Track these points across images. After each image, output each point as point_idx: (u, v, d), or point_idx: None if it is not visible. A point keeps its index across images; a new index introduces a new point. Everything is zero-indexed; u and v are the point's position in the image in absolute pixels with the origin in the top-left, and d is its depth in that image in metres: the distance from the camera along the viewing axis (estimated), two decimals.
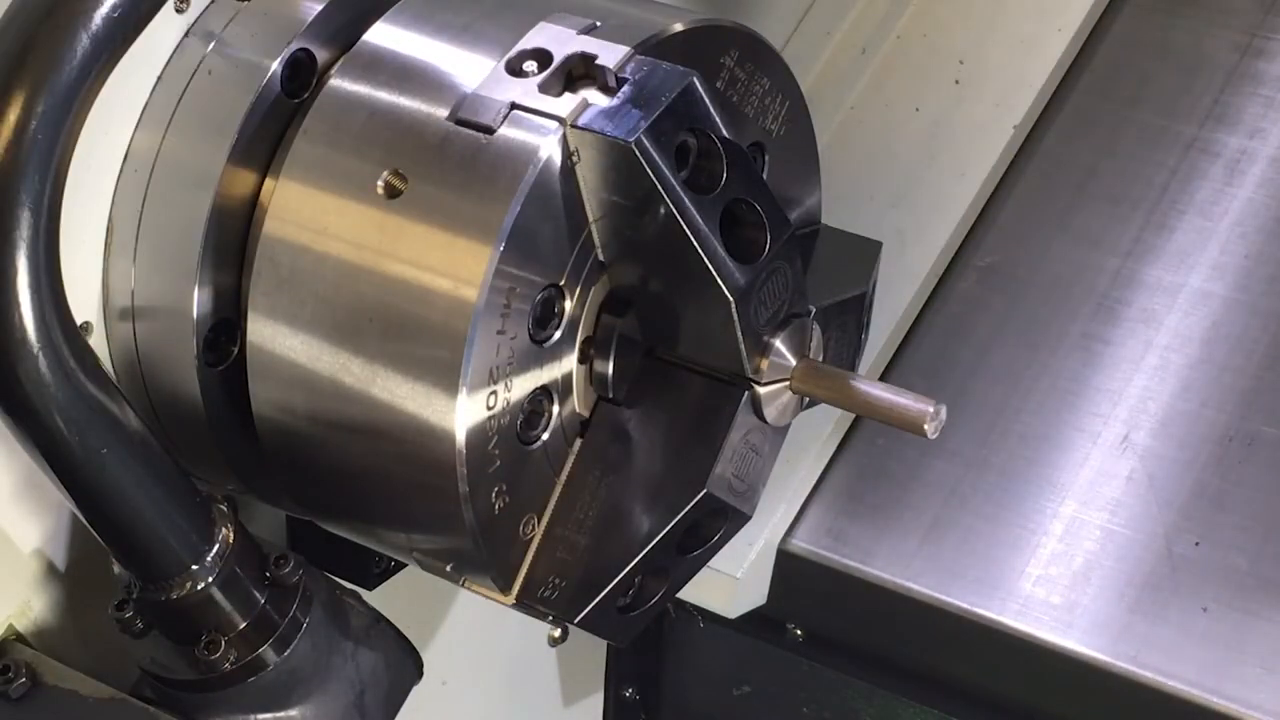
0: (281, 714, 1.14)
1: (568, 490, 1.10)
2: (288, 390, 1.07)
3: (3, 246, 0.97)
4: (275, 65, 1.09)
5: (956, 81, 1.78)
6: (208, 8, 1.13)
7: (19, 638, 1.17)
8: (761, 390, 1.11)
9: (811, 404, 1.16)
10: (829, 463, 1.65)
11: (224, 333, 1.11)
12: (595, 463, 1.11)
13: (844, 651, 1.64)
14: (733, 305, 1.06)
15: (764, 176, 1.17)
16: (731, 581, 1.59)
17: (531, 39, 1.05)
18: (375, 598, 1.23)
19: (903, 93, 1.79)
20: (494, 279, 1.00)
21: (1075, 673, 1.50)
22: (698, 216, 1.03)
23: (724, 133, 1.05)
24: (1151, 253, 1.71)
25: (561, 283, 1.05)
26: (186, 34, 1.12)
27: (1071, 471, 1.60)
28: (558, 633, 1.19)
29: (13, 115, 0.97)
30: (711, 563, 1.20)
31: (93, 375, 1.02)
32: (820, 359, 1.15)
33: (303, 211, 1.07)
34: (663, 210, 1.03)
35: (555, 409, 1.08)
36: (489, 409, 1.03)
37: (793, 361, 1.11)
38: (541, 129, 1.02)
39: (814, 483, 1.65)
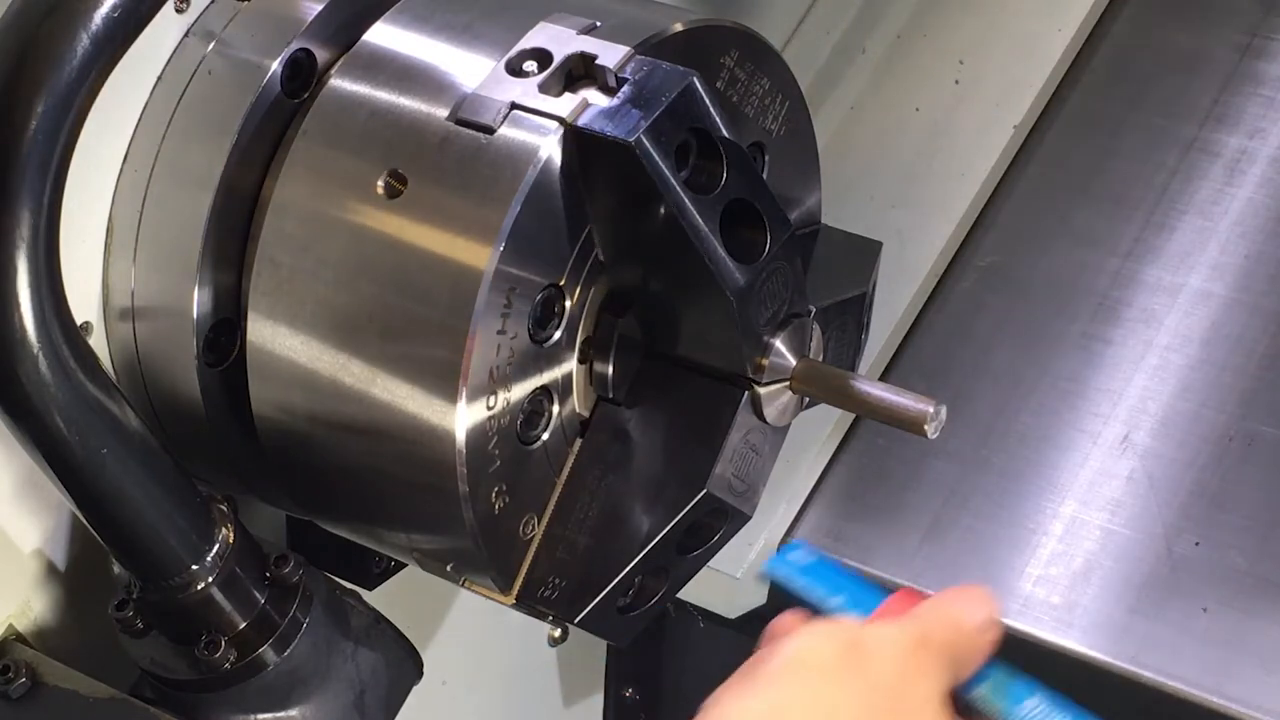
0: (281, 714, 1.14)
1: (568, 490, 1.10)
2: (288, 390, 1.08)
3: (3, 246, 0.97)
4: (275, 65, 1.09)
5: (956, 81, 1.78)
6: (208, 8, 1.13)
7: (19, 638, 1.17)
8: (761, 390, 1.11)
9: (811, 404, 1.16)
10: (829, 463, 1.65)
11: (224, 333, 1.11)
12: (595, 463, 1.11)
13: None
14: (733, 305, 1.06)
15: (764, 176, 1.17)
16: (731, 581, 1.59)
17: (531, 39, 1.05)
18: (375, 598, 1.23)
19: (903, 93, 1.79)
20: (494, 279, 1.00)
21: (1075, 673, 1.50)
22: (698, 216, 1.03)
23: (724, 133, 1.05)
24: (1151, 253, 1.70)
25: (561, 283, 1.05)
26: (186, 34, 1.12)
27: (1071, 471, 1.59)
28: (558, 633, 1.19)
29: (13, 115, 0.97)
30: (711, 563, 1.20)
31: (93, 375, 1.02)
32: (820, 359, 1.15)
33: (303, 211, 1.07)
34: (663, 210, 1.03)
35: (555, 409, 1.08)
36: (489, 409, 1.03)
37: (793, 361, 1.11)
38: (541, 129, 1.02)
39: (814, 483, 1.65)
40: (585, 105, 1.02)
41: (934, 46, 1.80)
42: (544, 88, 1.03)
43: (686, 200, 1.03)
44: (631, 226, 1.05)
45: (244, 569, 1.10)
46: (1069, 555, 1.55)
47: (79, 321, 1.06)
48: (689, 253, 1.04)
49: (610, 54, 1.03)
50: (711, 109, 1.04)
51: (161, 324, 1.12)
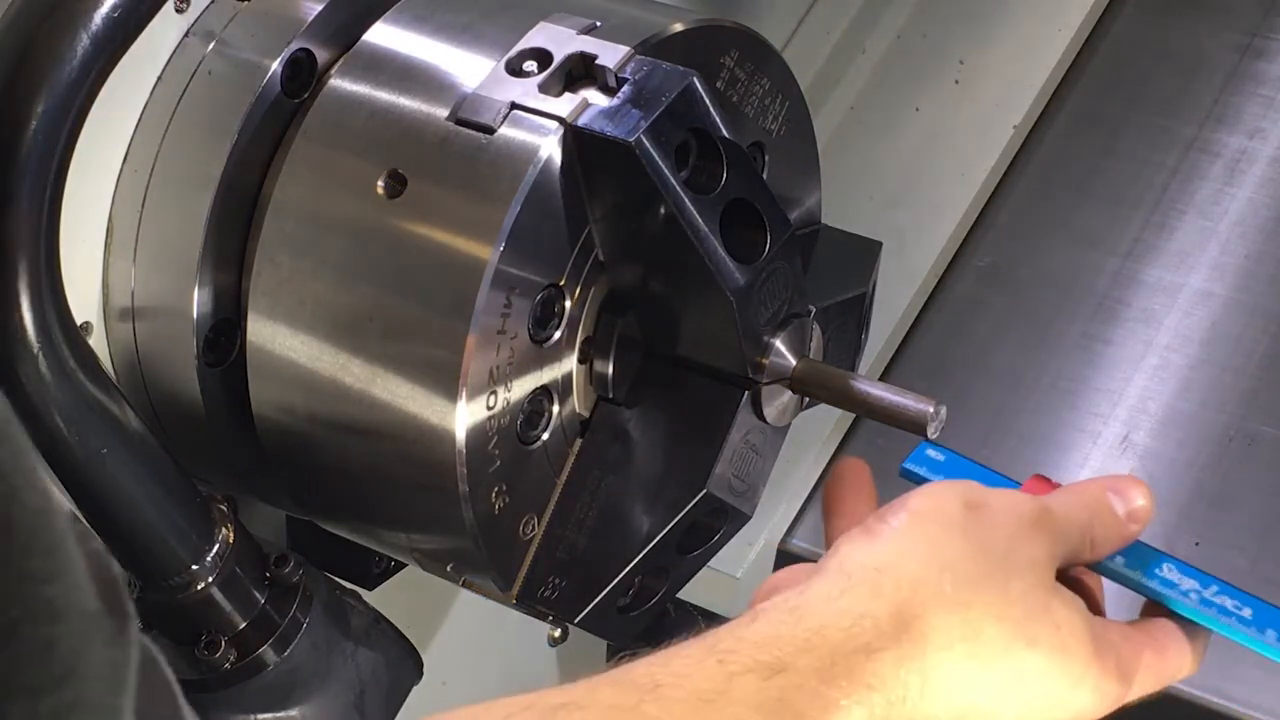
0: (281, 714, 1.14)
1: (568, 490, 1.10)
2: (288, 390, 1.07)
3: (3, 246, 0.97)
4: (275, 65, 1.09)
5: (956, 81, 1.78)
6: (208, 8, 1.12)
7: None
8: (762, 390, 1.10)
9: (811, 404, 1.16)
10: (829, 463, 1.65)
11: (224, 333, 1.11)
12: (595, 463, 1.11)
13: None
14: (733, 305, 1.06)
15: (764, 176, 1.17)
16: (731, 581, 1.59)
17: (531, 39, 1.05)
18: (375, 598, 1.23)
19: (903, 93, 1.79)
20: (494, 279, 1.00)
21: None
22: (698, 216, 1.03)
23: (724, 133, 1.05)
24: (1151, 253, 1.70)
25: (561, 282, 1.05)
26: (186, 34, 1.12)
27: (1071, 472, 1.59)
28: (558, 633, 1.19)
29: (13, 115, 0.97)
30: (711, 563, 1.20)
31: (93, 375, 1.02)
32: (820, 359, 1.15)
33: (303, 211, 1.07)
34: (663, 210, 1.03)
35: (555, 409, 1.08)
36: (489, 409, 1.03)
37: (793, 361, 1.11)
38: (542, 129, 1.02)
39: (814, 483, 1.65)
40: (585, 105, 1.02)
41: (934, 46, 1.81)
42: (544, 88, 1.03)
43: (686, 200, 1.03)
44: (631, 226, 1.05)
45: (244, 569, 1.10)
46: None
47: (79, 321, 1.05)
48: (689, 253, 1.04)
49: (610, 54, 1.03)
50: (711, 109, 1.04)
51: (161, 324, 1.12)
